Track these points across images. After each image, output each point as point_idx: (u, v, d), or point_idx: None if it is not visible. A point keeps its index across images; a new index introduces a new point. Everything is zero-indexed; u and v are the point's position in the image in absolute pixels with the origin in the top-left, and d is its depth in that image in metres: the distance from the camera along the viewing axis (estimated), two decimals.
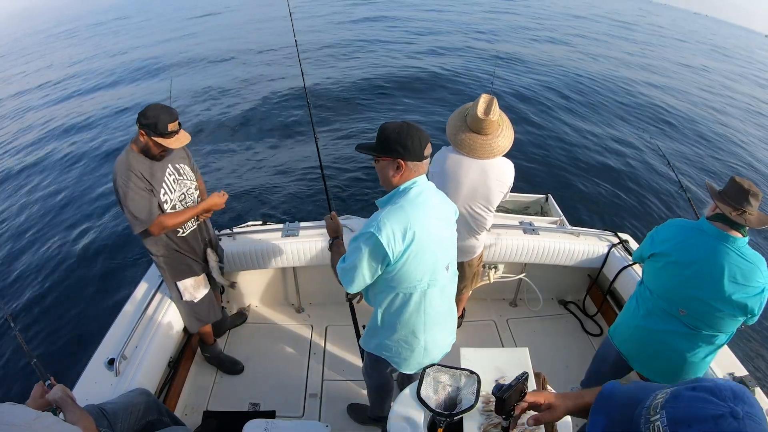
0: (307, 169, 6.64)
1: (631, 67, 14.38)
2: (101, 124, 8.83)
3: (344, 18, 19.07)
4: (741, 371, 2.16)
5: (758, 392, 2.06)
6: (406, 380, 2.10)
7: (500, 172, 2.24)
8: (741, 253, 1.71)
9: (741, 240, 1.73)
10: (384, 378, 1.98)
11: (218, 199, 2.31)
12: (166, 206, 2.13)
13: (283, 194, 6.06)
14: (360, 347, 2.22)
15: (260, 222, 3.09)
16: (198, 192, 2.34)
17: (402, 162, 1.51)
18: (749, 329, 4.53)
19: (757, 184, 1.77)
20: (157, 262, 2.28)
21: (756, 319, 1.77)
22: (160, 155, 2.07)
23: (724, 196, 1.77)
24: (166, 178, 2.13)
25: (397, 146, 1.50)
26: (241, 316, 3.08)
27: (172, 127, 1.98)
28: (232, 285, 2.76)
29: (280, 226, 2.89)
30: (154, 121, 1.93)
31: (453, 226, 1.72)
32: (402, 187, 1.56)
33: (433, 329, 1.72)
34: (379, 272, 1.54)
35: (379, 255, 1.48)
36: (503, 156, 2.25)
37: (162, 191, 2.11)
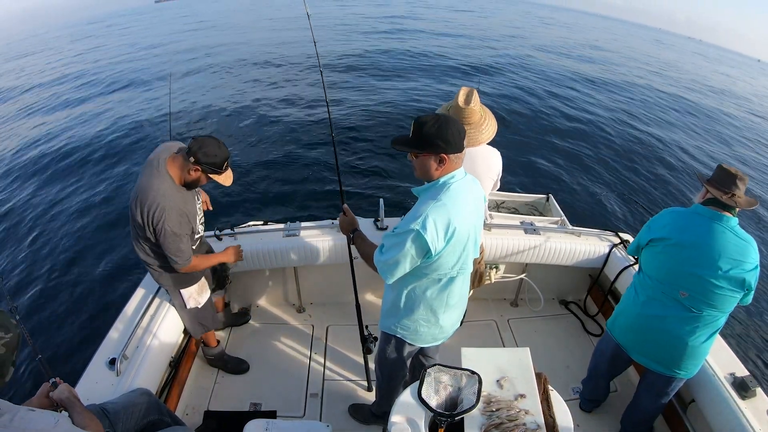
0: (311, 167, 6.65)
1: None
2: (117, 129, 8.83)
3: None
4: (742, 371, 2.16)
5: (759, 392, 2.06)
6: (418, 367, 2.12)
7: (487, 159, 2.33)
8: (734, 231, 1.83)
9: (733, 219, 1.84)
10: (397, 365, 1.98)
11: (234, 253, 2.42)
12: (197, 235, 2.19)
13: (284, 194, 6.06)
14: (362, 339, 2.23)
15: (261, 222, 3.09)
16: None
17: (445, 156, 1.51)
18: (751, 329, 4.53)
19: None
20: (157, 272, 2.21)
21: (751, 297, 1.87)
22: (203, 184, 2.07)
23: (713, 182, 1.89)
24: (197, 209, 2.16)
25: (438, 141, 1.48)
26: (244, 315, 3.07)
27: (227, 164, 1.99)
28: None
29: (281, 226, 2.89)
30: (214, 160, 1.91)
31: (483, 213, 1.76)
32: (442, 180, 1.56)
33: (451, 310, 1.79)
34: (418, 264, 1.58)
35: (423, 251, 1.52)
36: (489, 145, 2.33)
37: (197, 222, 2.15)
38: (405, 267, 1.56)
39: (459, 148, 1.52)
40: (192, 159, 1.90)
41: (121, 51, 16.73)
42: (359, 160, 6.93)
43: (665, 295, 1.94)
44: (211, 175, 1.97)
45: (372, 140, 7.62)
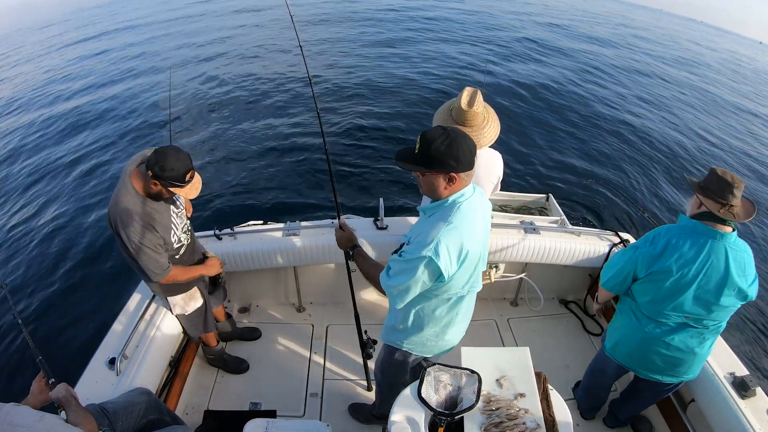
0: (312, 167, 6.64)
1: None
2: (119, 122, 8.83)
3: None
4: (742, 371, 2.17)
5: (759, 392, 2.06)
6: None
7: (488, 162, 2.28)
8: (735, 246, 1.75)
9: (732, 234, 1.75)
10: (401, 373, 1.96)
11: (217, 265, 2.39)
12: (176, 245, 2.13)
13: (285, 194, 6.06)
14: (362, 345, 2.22)
15: (261, 222, 3.09)
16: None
17: (455, 175, 1.42)
18: (751, 328, 4.54)
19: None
20: (145, 278, 2.18)
21: (755, 290, 1.81)
22: (167, 196, 2.00)
23: (707, 191, 1.75)
24: (172, 218, 2.09)
25: (449, 160, 1.39)
26: (254, 331, 2.99)
27: (189, 175, 1.89)
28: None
29: (281, 225, 2.89)
30: (172, 174, 1.82)
31: (490, 226, 1.71)
32: (451, 199, 1.48)
33: (460, 324, 1.77)
34: (428, 287, 1.53)
35: (435, 276, 1.47)
36: (490, 147, 2.27)
37: (171, 233, 2.08)
38: (415, 292, 1.52)
39: (470, 166, 1.43)
40: (150, 173, 1.82)
41: (117, 43, 16.70)
42: (358, 157, 6.92)
43: (669, 319, 1.89)
44: (172, 189, 1.88)
45: (374, 133, 7.62)
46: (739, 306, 1.82)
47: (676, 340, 1.90)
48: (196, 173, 1.96)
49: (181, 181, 1.86)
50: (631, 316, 2.02)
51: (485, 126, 2.18)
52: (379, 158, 6.88)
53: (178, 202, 2.17)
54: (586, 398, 2.49)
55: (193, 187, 1.94)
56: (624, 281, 1.97)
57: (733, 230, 1.75)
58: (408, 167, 1.47)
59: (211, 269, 2.36)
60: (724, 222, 1.73)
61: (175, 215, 2.12)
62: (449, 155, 1.38)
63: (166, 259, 2.04)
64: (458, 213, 1.45)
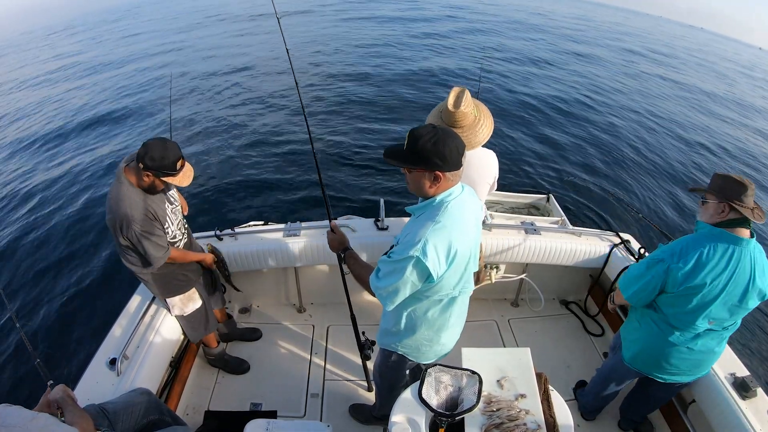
0: (310, 167, 6.64)
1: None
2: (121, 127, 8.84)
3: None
4: (743, 371, 2.16)
5: (759, 392, 2.06)
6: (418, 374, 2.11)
7: (482, 162, 2.22)
8: (759, 251, 1.76)
9: (753, 240, 1.74)
10: (399, 377, 1.95)
11: (211, 258, 2.50)
12: (171, 239, 2.16)
13: (286, 195, 6.06)
14: (360, 346, 2.22)
15: (262, 222, 3.09)
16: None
17: (440, 174, 1.40)
18: (751, 328, 4.53)
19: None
20: (145, 280, 2.23)
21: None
22: (162, 189, 2.03)
23: (732, 198, 1.70)
24: (168, 213, 2.11)
25: (435, 158, 1.37)
26: (254, 332, 3.00)
27: (180, 163, 1.92)
28: (235, 289, 2.76)
29: (282, 226, 2.89)
30: (162, 163, 1.84)
31: (481, 224, 1.69)
32: (439, 198, 1.47)
33: (453, 327, 1.75)
34: (418, 288, 1.51)
35: (423, 276, 1.45)
36: (484, 147, 2.19)
37: (166, 225, 2.10)
38: (405, 293, 1.49)
39: (456, 166, 1.41)
40: (141, 165, 1.86)
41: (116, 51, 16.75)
42: (359, 157, 6.93)
43: (695, 326, 1.87)
44: (164, 179, 1.91)
45: (373, 134, 7.63)
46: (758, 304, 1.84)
47: (699, 344, 1.91)
48: (187, 162, 1.98)
49: (172, 170, 1.89)
50: (652, 326, 1.98)
51: (477, 125, 2.10)
52: (381, 159, 6.87)
53: (172, 198, 2.19)
54: (594, 402, 2.48)
55: (185, 176, 1.96)
56: (650, 295, 1.92)
57: (752, 235, 1.74)
58: (394, 163, 1.46)
59: (206, 257, 2.44)
60: (748, 226, 1.72)
61: (170, 211, 2.14)
62: (435, 153, 1.37)
63: (166, 243, 2.08)
64: (446, 212, 1.44)
